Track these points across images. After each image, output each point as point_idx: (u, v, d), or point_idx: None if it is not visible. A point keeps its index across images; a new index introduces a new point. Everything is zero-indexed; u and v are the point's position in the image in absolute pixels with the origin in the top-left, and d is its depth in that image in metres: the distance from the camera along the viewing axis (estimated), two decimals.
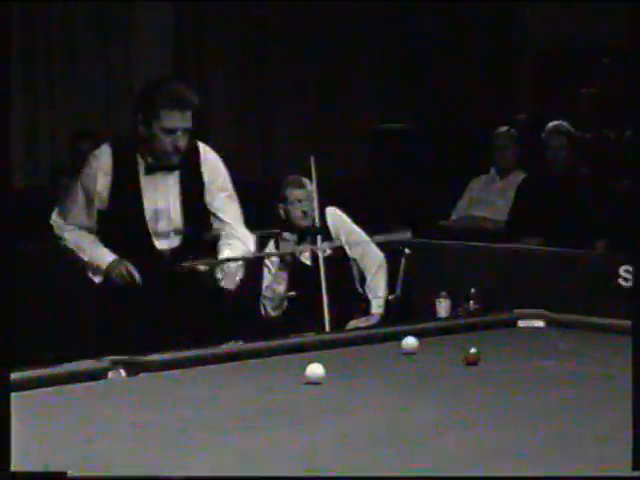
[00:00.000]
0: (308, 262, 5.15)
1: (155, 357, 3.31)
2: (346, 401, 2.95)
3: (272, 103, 8.23)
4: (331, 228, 5.24)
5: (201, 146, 4.06)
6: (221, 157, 4.11)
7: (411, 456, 2.44)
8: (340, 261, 5.19)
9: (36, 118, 7.48)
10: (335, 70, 8.31)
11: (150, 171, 3.97)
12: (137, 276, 3.93)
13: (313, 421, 2.76)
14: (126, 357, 3.23)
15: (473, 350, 3.31)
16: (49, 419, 2.74)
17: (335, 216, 5.27)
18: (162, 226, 3.99)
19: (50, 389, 3.01)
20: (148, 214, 3.97)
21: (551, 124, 6.40)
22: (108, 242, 4.03)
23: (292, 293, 5.11)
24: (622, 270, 5.55)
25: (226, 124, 8.10)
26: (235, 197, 4.10)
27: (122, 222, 3.98)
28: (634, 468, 2.14)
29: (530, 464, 2.34)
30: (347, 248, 5.22)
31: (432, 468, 2.35)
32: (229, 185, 4.07)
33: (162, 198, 3.99)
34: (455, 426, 2.69)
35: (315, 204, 5.18)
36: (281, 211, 5.19)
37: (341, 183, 6.97)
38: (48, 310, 5.57)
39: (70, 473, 1.91)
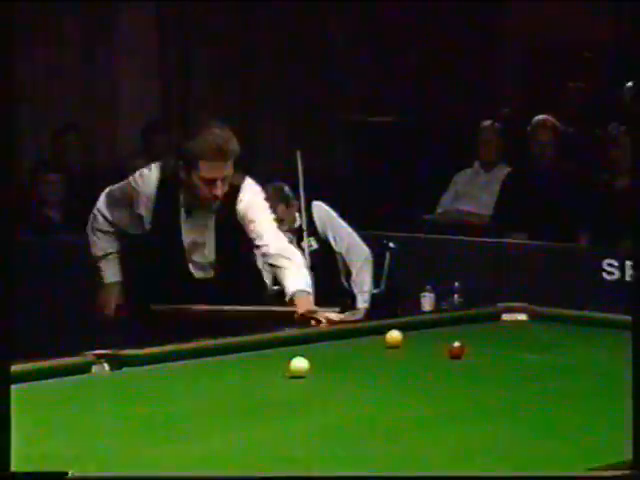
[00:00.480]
0: None
1: (138, 351, 3.31)
2: (330, 395, 2.96)
3: (257, 98, 8.23)
4: (317, 223, 5.24)
5: (243, 186, 4.07)
6: None
7: (395, 450, 2.44)
8: (326, 255, 5.20)
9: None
10: (321, 65, 8.31)
11: (189, 208, 4.07)
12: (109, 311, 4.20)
13: (297, 415, 2.76)
14: (110, 351, 3.24)
15: (457, 344, 3.32)
16: (33, 414, 2.73)
17: (321, 211, 5.28)
18: (197, 258, 4.12)
19: (34, 384, 3.01)
20: (186, 245, 4.10)
21: (537, 118, 6.41)
22: (145, 264, 4.20)
23: (276, 287, 5.12)
24: (605, 264, 5.59)
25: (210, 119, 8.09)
26: (267, 216, 4.10)
27: (161, 250, 4.12)
28: (633, 467, 2.14)
29: (514, 457, 2.35)
30: (333, 242, 5.23)
31: (416, 462, 2.35)
32: (259, 215, 4.07)
33: (198, 232, 4.10)
34: (439, 419, 2.69)
35: (301, 198, 5.19)
36: None
37: (326, 178, 6.98)
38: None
39: (71, 473, 1.90)
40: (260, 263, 4.43)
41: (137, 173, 4.14)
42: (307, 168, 5.29)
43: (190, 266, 4.12)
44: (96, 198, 4.27)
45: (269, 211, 4.13)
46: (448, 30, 8.44)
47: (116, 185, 4.24)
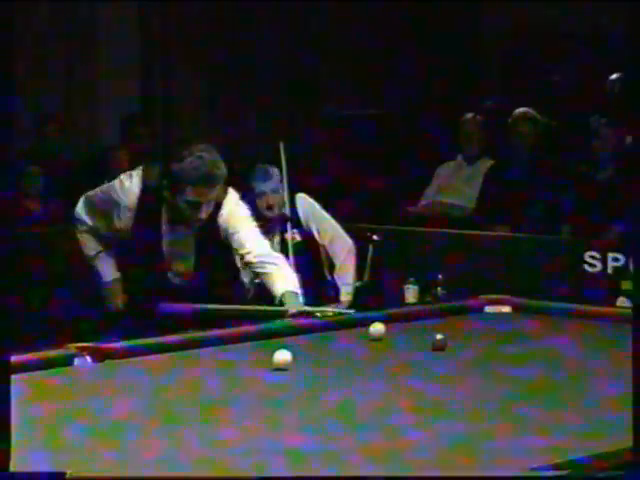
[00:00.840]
0: (278, 248, 5.15)
1: (121, 344, 3.32)
2: (314, 387, 2.97)
3: (240, 90, 8.21)
4: (301, 214, 5.24)
5: (224, 202, 4.07)
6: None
7: (379, 440, 2.45)
8: (310, 247, 5.19)
9: None
10: (302, 57, 8.31)
11: (171, 224, 4.08)
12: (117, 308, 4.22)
13: (281, 406, 2.77)
14: (92, 344, 3.24)
15: (440, 336, 3.33)
16: (16, 406, 2.73)
17: (305, 202, 5.27)
18: (178, 267, 4.14)
19: (15, 377, 3.00)
20: (166, 255, 4.12)
21: (517, 111, 6.44)
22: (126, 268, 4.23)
23: (258, 280, 5.11)
24: (587, 256, 5.61)
25: (194, 110, 8.08)
26: (247, 224, 4.12)
27: (141, 257, 4.14)
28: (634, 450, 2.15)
29: (497, 449, 2.36)
30: (316, 234, 5.23)
31: (399, 453, 2.36)
32: (240, 225, 4.08)
33: (179, 244, 4.12)
34: (423, 411, 2.70)
35: (285, 190, 5.17)
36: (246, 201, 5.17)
37: (309, 169, 6.98)
38: None
39: (69, 473, 1.90)
40: (243, 274, 4.48)
41: (118, 182, 4.12)
42: (290, 160, 5.28)
43: (170, 275, 4.14)
44: (76, 191, 4.27)
45: (250, 219, 4.15)
46: (431, 22, 8.44)
47: (96, 192, 4.23)
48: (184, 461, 2.33)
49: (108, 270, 4.24)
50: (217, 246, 4.12)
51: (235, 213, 4.09)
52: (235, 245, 4.07)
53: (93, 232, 4.22)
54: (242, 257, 4.09)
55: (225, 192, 4.09)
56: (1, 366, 1.91)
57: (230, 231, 4.07)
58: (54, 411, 2.72)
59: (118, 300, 4.24)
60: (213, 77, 8.15)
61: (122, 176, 4.14)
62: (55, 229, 5.72)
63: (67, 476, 1.93)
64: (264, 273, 4.02)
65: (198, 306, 4.00)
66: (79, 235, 4.24)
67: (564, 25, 8.10)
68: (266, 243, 4.19)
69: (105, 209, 4.14)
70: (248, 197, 5.13)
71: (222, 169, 3.97)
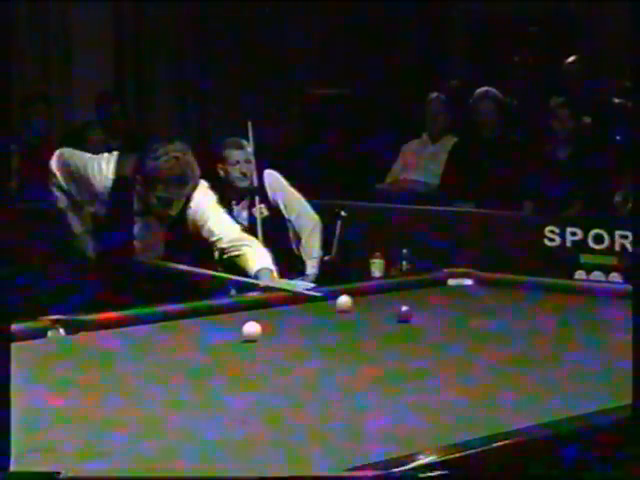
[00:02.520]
0: (245, 223, 5.22)
1: (94, 316, 3.33)
2: (282, 358, 3.01)
3: (208, 70, 8.24)
4: (268, 190, 5.30)
5: (194, 195, 4.07)
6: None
7: (346, 411, 2.48)
8: (277, 222, 5.27)
9: None
10: (271, 35, 8.34)
11: (141, 215, 4.09)
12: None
13: (249, 379, 2.80)
14: (65, 316, 3.25)
15: (405, 308, 3.40)
16: None
17: (272, 178, 5.33)
18: (146, 257, 4.14)
19: None
20: (135, 245, 4.12)
21: (479, 90, 6.55)
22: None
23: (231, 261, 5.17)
24: (547, 231, 5.72)
25: (164, 92, 8.11)
26: (216, 212, 4.13)
27: (110, 245, 4.13)
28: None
29: (457, 422, 2.37)
30: (284, 209, 5.30)
31: (367, 425, 2.37)
32: (208, 214, 4.09)
33: (149, 234, 4.14)
34: (388, 381, 2.74)
35: (253, 167, 5.25)
36: (221, 171, 5.24)
37: (277, 148, 7.03)
38: None
39: (63, 473, 1.92)
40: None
41: (95, 164, 4.11)
42: (258, 138, 5.35)
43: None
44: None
45: (218, 207, 4.16)
46: (397, 3, 8.50)
47: (72, 156, 4.22)
48: (157, 433, 2.33)
49: (78, 222, 4.21)
50: (186, 239, 4.12)
51: (202, 204, 4.08)
52: (206, 235, 4.06)
53: (72, 206, 4.22)
54: (214, 245, 4.06)
55: (196, 187, 4.07)
56: (1, 369, 1.95)
57: (200, 223, 4.07)
58: (28, 384, 2.69)
59: (89, 251, 4.20)
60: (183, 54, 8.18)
61: (99, 158, 4.15)
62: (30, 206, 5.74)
63: (60, 476, 1.90)
64: (238, 255, 4.02)
65: (172, 266, 4.05)
66: (64, 214, 4.24)
67: (531, 9, 8.20)
68: (236, 227, 4.20)
69: (78, 177, 4.14)
70: (222, 167, 5.21)
71: (195, 171, 3.99)
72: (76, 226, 4.25)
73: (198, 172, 4.03)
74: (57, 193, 4.25)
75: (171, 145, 4.00)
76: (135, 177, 4.05)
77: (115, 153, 4.19)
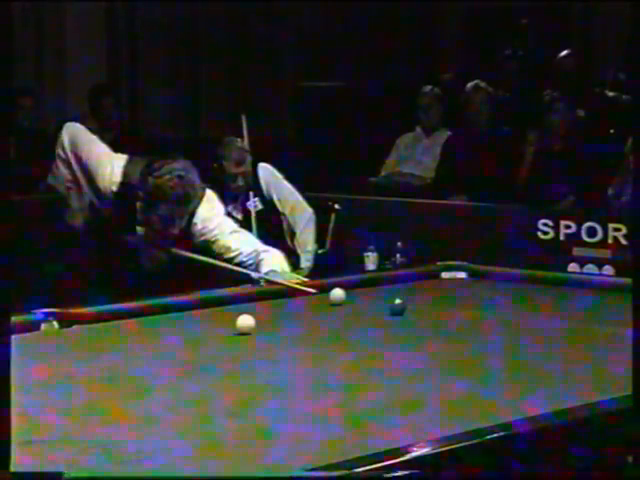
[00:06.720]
0: (239, 217, 5.23)
1: (88, 309, 3.33)
2: (276, 351, 3.02)
3: (201, 64, 8.24)
4: (262, 184, 5.31)
5: (198, 210, 4.03)
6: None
7: (340, 403, 2.48)
8: (271, 215, 5.28)
9: None
10: (263, 30, 8.34)
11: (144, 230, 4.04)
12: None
13: (244, 372, 2.80)
14: (59, 309, 3.25)
15: (398, 301, 3.41)
16: None
17: (266, 172, 5.34)
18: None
19: None
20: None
21: (470, 84, 6.58)
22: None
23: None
24: (541, 223, 5.74)
25: (157, 85, 8.11)
26: (227, 227, 4.11)
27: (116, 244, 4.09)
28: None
29: (450, 414, 2.38)
30: (278, 203, 5.31)
31: (359, 417, 2.38)
32: (217, 229, 4.06)
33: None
34: (382, 374, 2.75)
35: (249, 166, 5.25)
36: (216, 171, 5.23)
37: (270, 141, 7.04)
38: None
39: (67, 473, 1.91)
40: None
41: (107, 161, 4.07)
42: (252, 132, 5.35)
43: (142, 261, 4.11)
44: (45, 161, 4.25)
45: (225, 218, 4.14)
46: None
47: (89, 142, 4.15)
48: (150, 427, 2.33)
49: (76, 199, 4.13)
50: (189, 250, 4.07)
51: (209, 221, 4.06)
52: (221, 251, 4.04)
53: (67, 164, 4.12)
54: (232, 260, 4.03)
55: (199, 204, 4.03)
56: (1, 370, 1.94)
57: (211, 240, 4.05)
58: (22, 377, 2.73)
59: (80, 219, 4.14)
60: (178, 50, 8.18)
61: (112, 157, 4.09)
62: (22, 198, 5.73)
63: (65, 476, 1.89)
64: (258, 261, 4.02)
65: (172, 250, 4.02)
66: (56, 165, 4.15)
67: (523, 2, 8.21)
68: (252, 239, 4.19)
69: (85, 169, 4.08)
70: (218, 165, 5.21)
71: (198, 189, 3.97)
72: (74, 202, 4.18)
73: (200, 191, 3.98)
74: (62, 168, 4.14)
75: (175, 163, 3.95)
76: (137, 194, 4.00)
77: (124, 157, 4.12)
